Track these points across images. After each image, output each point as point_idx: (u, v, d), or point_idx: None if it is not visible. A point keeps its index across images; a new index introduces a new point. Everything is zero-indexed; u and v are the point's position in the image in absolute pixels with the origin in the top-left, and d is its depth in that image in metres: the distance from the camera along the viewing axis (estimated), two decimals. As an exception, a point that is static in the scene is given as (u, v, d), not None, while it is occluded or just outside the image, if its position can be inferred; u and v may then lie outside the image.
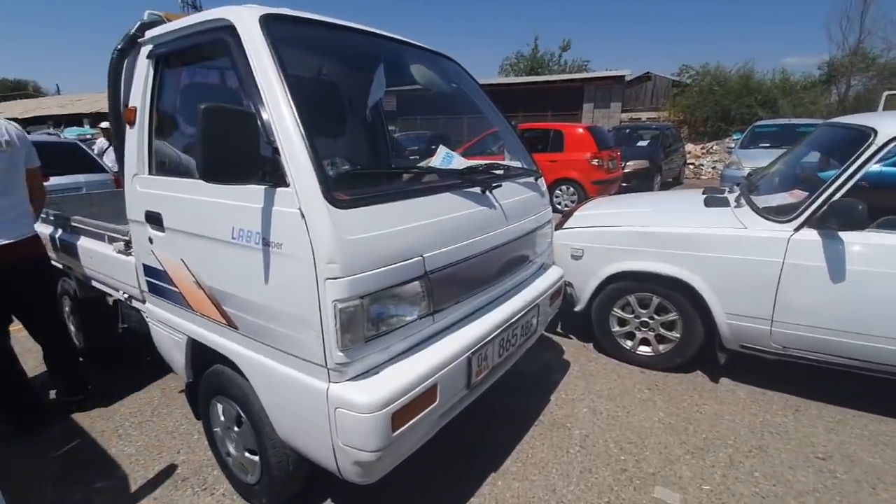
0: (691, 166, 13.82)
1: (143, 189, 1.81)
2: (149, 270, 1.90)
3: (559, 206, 7.82)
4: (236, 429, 1.76)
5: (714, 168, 13.44)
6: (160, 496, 1.91)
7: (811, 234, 2.21)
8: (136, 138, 1.83)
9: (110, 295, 2.44)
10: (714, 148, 15.34)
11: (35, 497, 1.92)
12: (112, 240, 2.18)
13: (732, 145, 12.54)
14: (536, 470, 2.01)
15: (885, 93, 10.41)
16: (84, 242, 2.44)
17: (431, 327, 1.55)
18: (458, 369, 1.54)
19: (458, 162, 2.03)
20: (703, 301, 2.53)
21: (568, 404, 2.48)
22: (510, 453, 2.10)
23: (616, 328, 2.91)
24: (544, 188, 2.36)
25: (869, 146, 2.14)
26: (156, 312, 1.98)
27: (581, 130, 7.80)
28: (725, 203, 2.83)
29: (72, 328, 3.02)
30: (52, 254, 2.71)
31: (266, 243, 1.34)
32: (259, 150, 1.26)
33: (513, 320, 1.85)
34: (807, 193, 2.34)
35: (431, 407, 1.45)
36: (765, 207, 2.49)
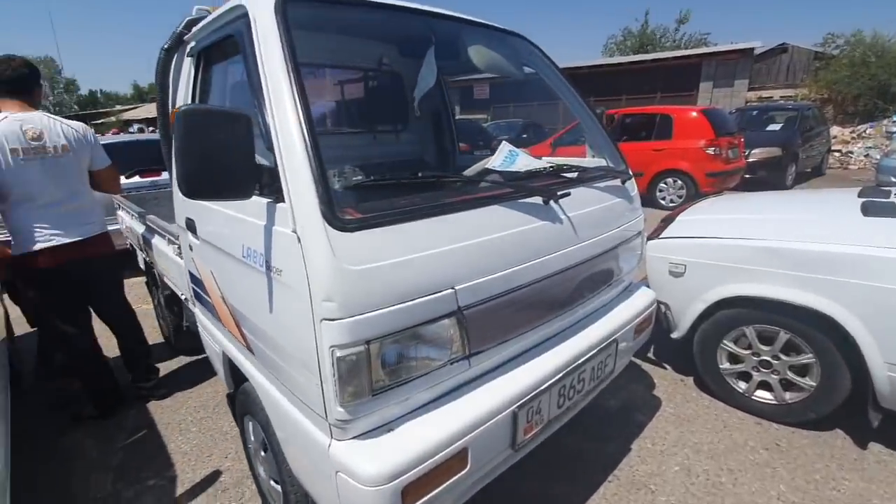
0: (837, 154, 11.52)
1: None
2: (192, 277, 1.85)
3: (662, 202, 6.91)
4: (262, 453, 1.64)
5: (867, 156, 11.06)
6: (199, 505, 1.88)
7: None
8: (178, 140, 1.76)
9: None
10: (868, 132, 12.67)
11: (95, 487, 2.01)
12: (171, 242, 2.20)
13: (894, 129, 10.22)
14: (605, 545, 1.62)
15: None
16: (157, 241, 2.52)
17: (466, 373, 1.25)
18: (498, 427, 1.23)
19: (524, 162, 1.68)
20: (853, 343, 1.88)
21: (654, 458, 2.02)
22: (573, 516, 1.73)
23: (725, 365, 2.33)
24: (634, 191, 1.90)
25: None
26: (201, 319, 1.93)
27: (694, 114, 6.77)
28: (893, 211, 2.09)
29: (160, 316, 3.24)
30: (140, 250, 2.88)
31: (268, 267, 1.14)
32: (253, 159, 1.05)
33: (579, 362, 1.47)
34: None
35: (459, 476, 1.15)
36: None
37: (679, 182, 6.78)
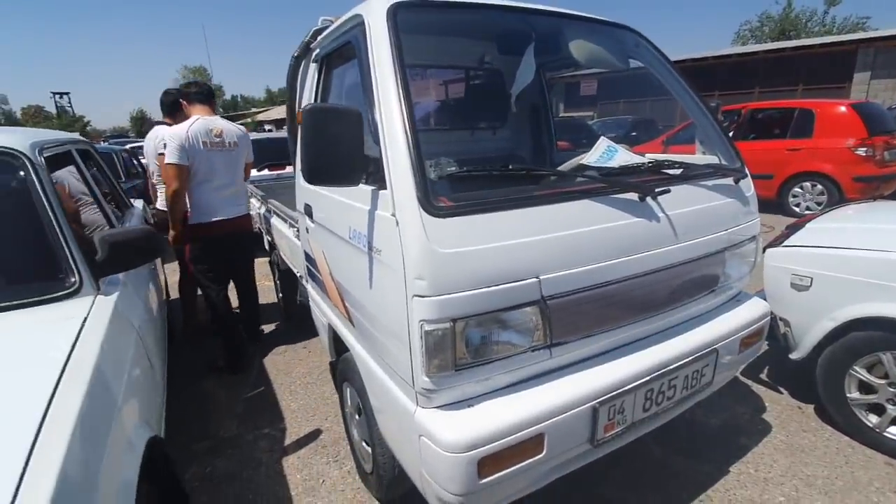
0: None
1: (304, 184, 1.98)
2: (307, 256, 2.10)
3: (796, 209, 6.08)
4: (357, 417, 1.82)
5: None
6: (303, 456, 2.14)
7: None
8: (303, 136, 2.01)
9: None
10: None
11: (224, 428, 2.38)
12: (291, 225, 2.51)
13: None
14: (688, 564, 1.53)
15: None
16: (277, 224, 2.89)
17: (547, 362, 1.27)
18: (577, 419, 1.24)
19: (623, 158, 1.64)
20: None
21: (756, 484, 1.84)
22: (655, 529, 1.66)
23: (854, 394, 2.03)
24: (750, 192, 1.74)
25: None
26: (312, 294, 2.19)
27: (843, 109, 5.82)
28: None
29: (279, 291, 3.70)
30: (266, 233, 3.34)
31: (370, 247, 1.28)
32: (362, 150, 1.19)
33: (670, 368, 1.41)
34: None
35: (535, 459, 1.19)
36: None
37: (819, 187, 5.90)
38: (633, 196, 1.37)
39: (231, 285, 3.04)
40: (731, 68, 15.29)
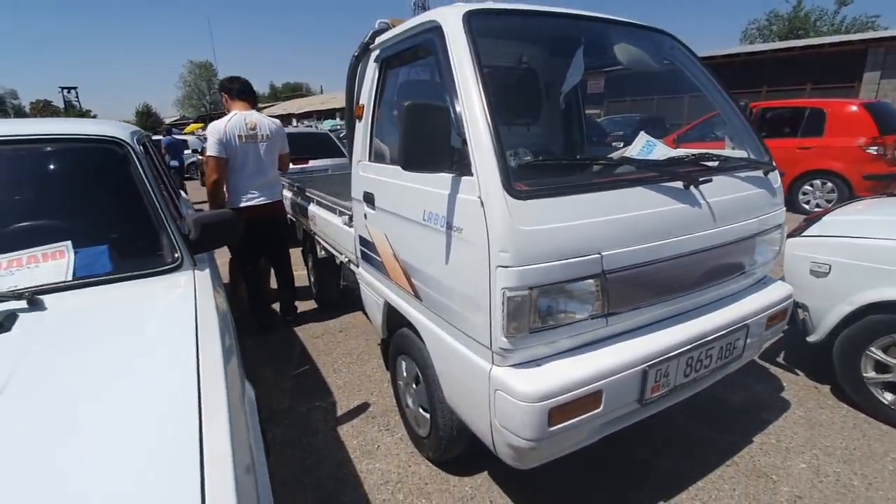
0: None
1: (364, 173, 2.15)
2: (363, 241, 2.27)
3: (806, 206, 6.23)
4: (414, 386, 2.00)
5: None
6: (355, 425, 2.32)
7: None
8: (362, 131, 2.18)
9: (336, 257, 3.02)
10: None
11: (276, 401, 2.56)
12: (341, 213, 2.68)
13: None
14: (720, 517, 1.71)
15: None
16: (322, 213, 3.06)
17: (604, 329, 1.44)
18: (629, 379, 1.41)
19: (661, 151, 1.81)
20: None
21: (779, 453, 2.01)
22: (688, 487, 1.83)
23: (870, 373, 2.19)
24: (777, 184, 1.91)
25: None
26: (365, 277, 2.36)
27: (854, 108, 5.96)
28: None
29: (312, 278, 3.89)
30: (305, 222, 3.53)
31: (449, 227, 1.45)
32: (450, 142, 1.36)
33: (708, 339, 1.58)
34: None
35: (594, 412, 1.36)
36: None
37: (829, 184, 6.04)
38: (679, 185, 1.53)
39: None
40: (739, 67, 15.37)
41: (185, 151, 11.59)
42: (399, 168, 1.46)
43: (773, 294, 1.88)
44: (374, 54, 2.15)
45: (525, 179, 1.33)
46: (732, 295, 1.78)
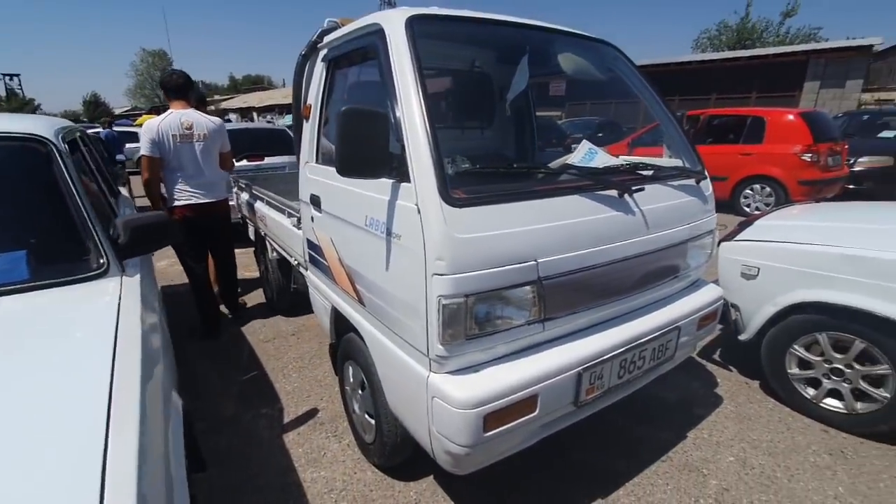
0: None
1: (311, 175, 2.11)
2: (310, 244, 2.23)
3: (747, 209, 6.59)
4: (360, 392, 1.98)
5: None
6: (302, 432, 2.27)
7: None
8: (309, 132, 2.14)
9: (286, 259, 2.94)
10: None
11: (221, 409, 2.48)
12: (290, 215, 2.62)
13: None
14: (653, 511, 1.79)
15: None
16: (272, 214, 2.98)
17: (540, 335, 1.48)
18: (564, 383, 1.45)
19: (602, 159, 1.86)
20: (937, 358, 1.87)
21: (709, 447, 2.12)
22: (624, 484, 1.90)
23: (794, 370, 2.35)
24: (709, 192, 2.01)
25: None
26: (313, 280, 2.32)
27: (791, 117, 6.35)
28: None
29: (265, 280, 3.79)
30: (255, 222, 3.43)
31: (389, 233, 1.44)
32: (388, 147, 1.35)
33: (641, 341, 1.65)
34: None
35: (529, 416, 1.39)
36: None
37: (767, 189, 6.42)
38: (614, 193, 1.59)
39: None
40: (691, 74, 16.05)
41: (134, 145, 11.01)
42: None
43: (704, 296, 1.97)
44: (322, 53, 2.11)
45: (462, 187, 1.34)
46: (665, 298, 1.87)
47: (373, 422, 1.87)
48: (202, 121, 3.00)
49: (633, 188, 1.62)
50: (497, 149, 2.58)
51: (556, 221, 1.42)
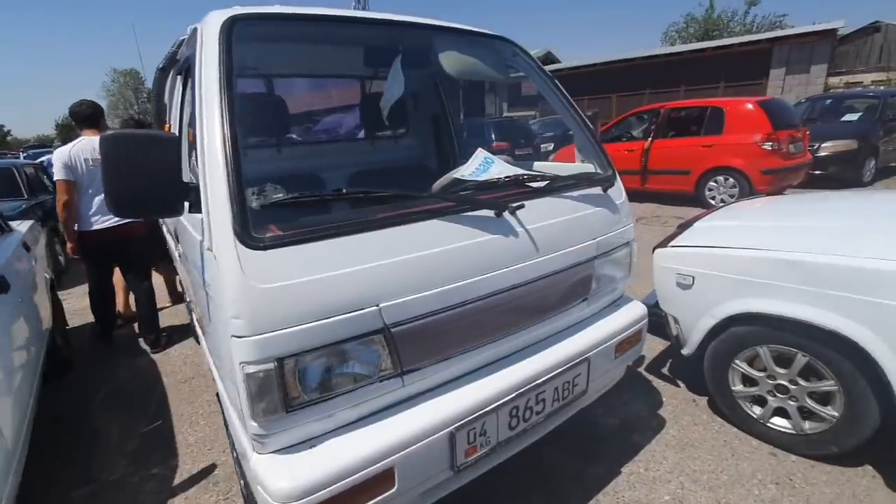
0: (935, 145, 10.11)
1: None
2: (181, 281, 1.96)
3: (712, 202, 6.44)
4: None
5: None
6: (191, 496, 1.99)
7: None
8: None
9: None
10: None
11: (110, 468, 2.19)
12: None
13: None
14: (571, 574, 1.54)
15: None
16: (171, 242, 2.70)
17: (400, 391, 1.23)
18: (431, 447, 1.20)
19: (498, 169, 1.63)
20: (881, 373, 1.66)
21: (644, 484, 1.88)
22: (542, 540, 1.66)
23: (739, 387, 2.13)
24: (620, 199, 1.78)
25: None
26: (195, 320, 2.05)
27: (750, 106, 6.21)
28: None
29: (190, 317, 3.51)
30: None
31: (204, 280, 1.19)
32: (178, 177, 1.09)
33: (537, 382, 1.40)
34: None
35: (386, 495, 1.14)
36: None
37: (731, 180, 6.27)
38: (490, 213, 1.34)
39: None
40: (659, 67, 16.05)
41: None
42: None
43: (621, 319, 1.74)
44: (178, 65, 1.85)
45: (276, 222, 1.09)
46: (572, 326, 1.63)
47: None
48: None
49: (514, 205, 1.37)
50: (375, 164, 2.32)
51: (405, 255, 1.17)
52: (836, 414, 1.84)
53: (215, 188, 1.05)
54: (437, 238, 1.24)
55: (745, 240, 2.08)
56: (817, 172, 7.18)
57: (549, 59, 21.36)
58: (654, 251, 2.34)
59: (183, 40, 1.85)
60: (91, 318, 3.50)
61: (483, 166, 1.65)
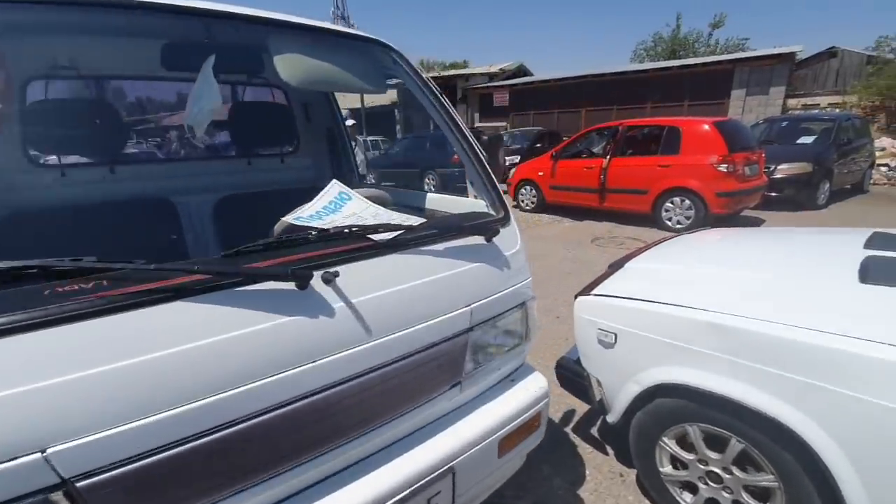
0: (884, 168, 10.36)
1: None
2: None
3: (669, 223, 6.24)
4: None
5: (923, 172, 9.89)
6: None
7: None
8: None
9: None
10: (925, 144, 11.41)
11: None
12: None
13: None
14: None
15: None
16: None
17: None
18: None
19: (352, 209, 1.24)
20: (827, 472, 1.32)
21: None
22: None
23: (667, 468, 1.78)
24: (512, 250, 1.39)
25: None
26: None
27: (706, 127, 6.05)
28: (905, 277, 1.51)
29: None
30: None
31: None
32: None
33: (367, 516, 0.99)
34: None
35: None
36: None
37: (687, 202, 6.08)
38: (290, 285, 0.93)
39: None
40: (628, 84, 16.18)
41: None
42: None
43: (511, 403, 1.35)
44: None
45: None
46: (435, 422, 1.23)
47: None
48: None
49: (325, 273, 0.96)
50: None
51: (102, 366, 0.74)
52: (775, 514, 1.50)
53: None
54: (175, 332, 0.81)
55: (671, 292, 1.74)
56: (773, 195, 7.12)
57: (521, 71, 21.34)
58: (576, 299, 1.98)
59: None
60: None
61: (336, 203, 1.27)
